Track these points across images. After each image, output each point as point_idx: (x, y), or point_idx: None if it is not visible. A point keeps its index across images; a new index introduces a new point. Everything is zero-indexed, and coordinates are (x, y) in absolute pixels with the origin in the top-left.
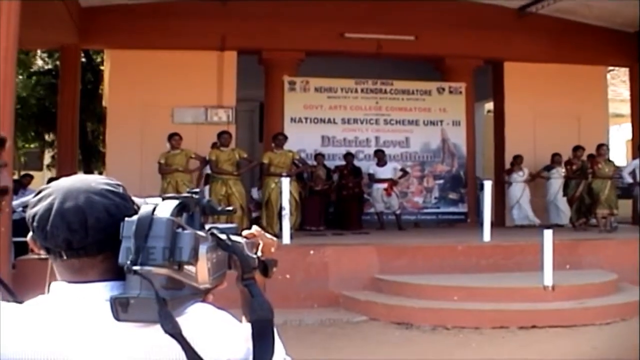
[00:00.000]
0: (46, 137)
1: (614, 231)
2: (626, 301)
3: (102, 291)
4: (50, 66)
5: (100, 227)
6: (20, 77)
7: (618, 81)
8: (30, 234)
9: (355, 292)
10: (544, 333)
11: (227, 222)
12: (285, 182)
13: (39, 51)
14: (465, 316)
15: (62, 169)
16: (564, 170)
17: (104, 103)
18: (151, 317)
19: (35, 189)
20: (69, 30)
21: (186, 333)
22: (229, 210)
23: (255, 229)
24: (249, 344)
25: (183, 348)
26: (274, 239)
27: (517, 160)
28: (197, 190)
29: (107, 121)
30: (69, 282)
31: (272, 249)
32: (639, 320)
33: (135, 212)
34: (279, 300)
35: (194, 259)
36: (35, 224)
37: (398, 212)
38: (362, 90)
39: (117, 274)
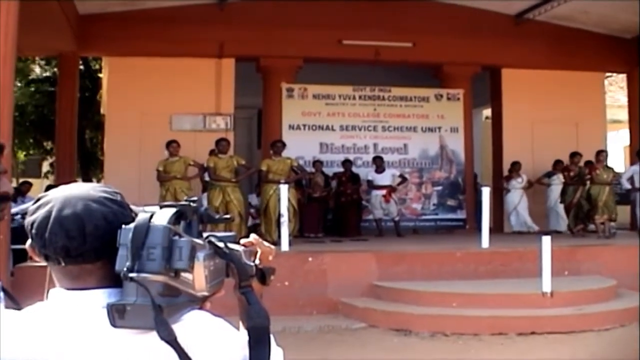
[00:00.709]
0: (45, 145)
1: (612, 237)
2: (625, 307)
3: (99, 298)
4: (48, 74)
5: (98, 235)
6: (19, 84)
7: (616, 87)
8: (29, 241)
9: (353, 298)
10: (542, 339)
11: (225, 230)
12: (284, 189)
13: (37, 59)
14: (464, 322)
15: (61, 177)
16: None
17: (102, 110)
18: (147, 323)
19: (34, 196)
20: (67, 38)
21: (182, 340)
22: (226, 218)
23: (253, 237)
24: (245, 352)
25: (178, 355)
26: (272, 247)
27: (516, 167)
28: (195, 198)
29: (105, 129)
30: (67, 289)
31: (270, 257)
32: (639, 326)
33: (133, 220)
34: (277, 307)
35: (190, 266)
36: (33, 231)
37: (396, 218)
38: (360, 97)
39: (114, 281)
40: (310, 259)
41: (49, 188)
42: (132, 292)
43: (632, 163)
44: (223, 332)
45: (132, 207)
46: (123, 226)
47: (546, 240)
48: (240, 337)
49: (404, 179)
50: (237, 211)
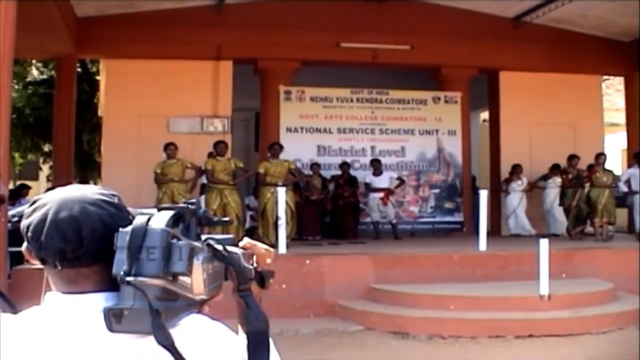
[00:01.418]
0: (43, 147)
1: (609, 240)
2: (622, 310)
3: (96, 302)
4: (45, 76)
5: (94, 238)
6: (16, 87)
7: (613, 90)
8: (25, 244)
9: (351, 301)
10: (540, 342)
11: (223, 233)
12: (281, 191)
13: (34, 61)
14: (462, 325)
15: (58, 179)
16: (559, 179)
17: (99, 113)
18: (145, 328)
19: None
20: (64, 40)
21: (179, 344)
22: (225, 221)
23: (246, 240)
24: (244, 356)
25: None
26: (271, 249)
27: (517, 169)
28: (194, 200)
29: (102, 131)
30: (64, 292)
31: (268, 260)
32: (639, 328)
33: (131, 223)
34: (275, 309)
35: (189, 270)
36: (29, 234)
37: (394, 221)
38: (357, 100)
39: (111, 284)
40: (307, 261)
41: (48, 191)
42: (130, 296)
43: (629, 166)
44: (221, 337)
45: (130, 209)
46: (120, 229)
47: (544, 243)
48: (238, 341)
49: (401, 182)
50: (234, 214)
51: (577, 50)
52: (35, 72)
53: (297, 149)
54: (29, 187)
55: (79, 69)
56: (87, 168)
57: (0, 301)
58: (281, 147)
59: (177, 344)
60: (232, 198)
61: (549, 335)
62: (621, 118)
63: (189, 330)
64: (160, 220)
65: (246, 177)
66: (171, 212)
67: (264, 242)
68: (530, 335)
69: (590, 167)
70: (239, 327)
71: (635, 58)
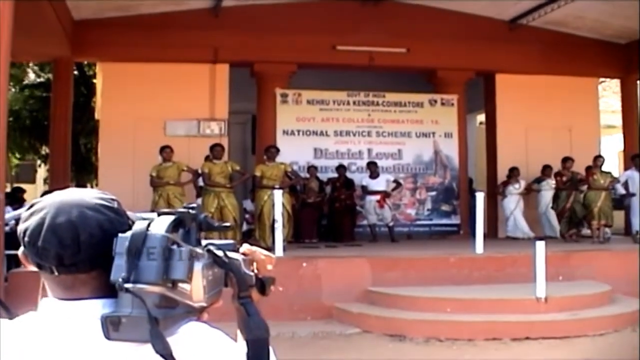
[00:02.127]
0: (40, 150)
1: (606, 242)
2: (619, 312)
3: (93, 309)
4: (42, 79)
5: (93, 243)
6: (13, 90)
7: (609, 92)
8: (22, 248)
9: (348, 304)
10: (537, 344)
11: (220, 237)
12: (278, 194)
13: (31, 64)
14: (459, 328)
15: (55, 183)
16: (554, 182)
17: (96, 116)
18: (143, 336)
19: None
20: (61, 43)
21: (178, 353)
22: (226, 227)
23: (246, 247)
24: None
25: None
26: (271, 255)
27: (514, 172)
28: (194, 205)
29: (99, 134)
30: (60, 299)
31: (269, 267)
32: (636, 330)
33: (130, 228)
34: (271, 312)
35: (188, 276)
36: (26, 239)
37: (391, 224)
38: (354, 103)
39: (109, 291)
40: (304, 264)
41: (44, 194)
42: (128, 303)
43: (625, 168)
44: (221, 345)
45: (130, 214)
46: (119, 234)
47: (540, 245)
48: (238, 349)
49: (398, 185)
50: (231, 217)
51: (573, 52)
52: (32, 75)
53: (294, 151)
54: (23, 191)
55: (75, 72)
56: (83, 171)
57: None
58: (278, 150)
59: (175, 353)
60: (229, 201)
61: (545, 337)
62: (617, 120)
63: (188, 338)
64: (160, 225)
65: (243, 180)
66: (171, 217)
67: (260, 246)
68: (527, 338)
69: (588, 169)
70: (238, 333)
71: (631, 60)
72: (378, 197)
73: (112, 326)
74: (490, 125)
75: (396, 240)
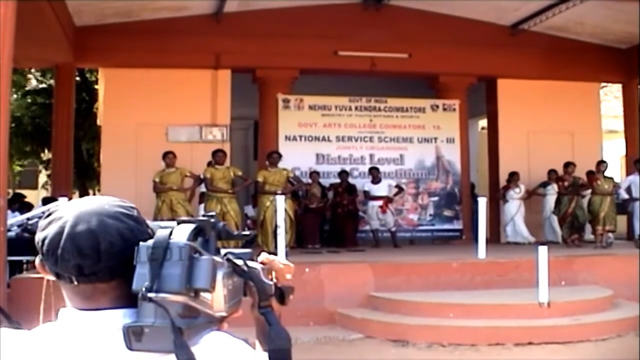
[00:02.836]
0: (42, 155)
1: (609, 247)
2: (622, 317)
3: (114, 319)
4: (44, 85)
5: (113, 252)
6: (15, 96)
7: (611, 97)
8: (39, 257)
9: (351, 309)
10: (539, 349)
11: (223, 245)
12: (280, 200)
13: (33, 70)
14: (461, 333)
15: (57, 188)
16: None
17: (98, 122)
18: (166, 346)
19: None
20: (63, 49)
21: None
22: (245, 235)
23: (265, 256)
24: None
25: None
26: (290, 264)
27: (514, 177)
28: (213, 213)
29: (101, 140)
30: (79, 309)
31: (288, 276)
32: (638, 335)
33: (150, 237)
34: None
35: (212, 286)
36: (45, 247)
37: (393, 229)
38: (356, 108)
39: (129, 300)
40: (307, 270)
41: (45, 200)
42: (150, 313)
43: (628, 173)
44: (243, 355)
45: (149, 222)
46: (141, 243)
47: (543, 250)
48: (260, 359)
49: (400, 190)
50: (233, 222)
51: (574, 57)
52: (34, 81)
53: (296, 157)
54: (23, 196)
55: (77, 78)
56: (86, 177)
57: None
58: (280, 156)
59: None
60: (232, 206)
61: (548, 342)
62: (619, 125)
63: (211, 348)
64: (182, 234)
65: (245, 185)
66: (192, 226)
67: (263, 251)
68: (530, 343)
69: (589, 174)
70: (257, 343)
71: (633, 65)
72: (380, 202)
73: (134, 336)
74: (492, 130)
75: (399, 246)
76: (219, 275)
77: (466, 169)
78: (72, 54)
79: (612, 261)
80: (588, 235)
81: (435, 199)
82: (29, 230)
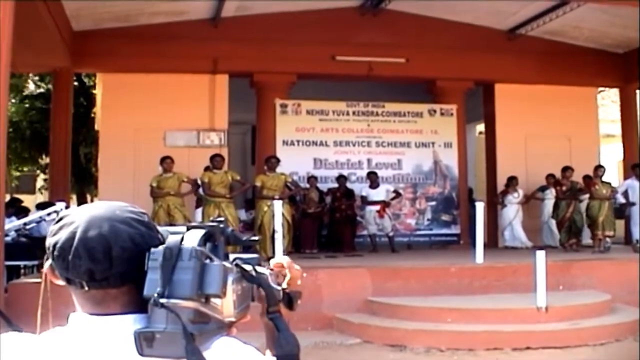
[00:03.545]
0: (40, 160)
1: (607, 252)
2: (620, 322)
3: (124, 324)
4: (42, 90)
5: (124, 258)
6: (13, 101)
7: (608, 101)
8: (49, 263)
9: (348, 314)
10: (537, 354)
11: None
12: (278, 204)
13: (31, 75)
14: (459, 338)
15: (55, 193)
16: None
17: (96, 126)
18: (177, 352)
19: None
20: (61, 54)
21: None
22: (255, 241)
23: (285, 260)
24: None
25: None
26: (300, 269)
27: (513, 181)
28: (222, 218)
29: (99, 145)
30: (90, 314)
31: (299, 282)
32: (637, 340)
33: (160, 242)
34: None
35: (223, 291)
36: (56, 252)
37: (391, 234)
38: (353, 113)
39: (139, 306)
40: (304, 275)
41: (40, 205)
42: (162, 318)
43: (625, 177)
44: None
45: (159, 228)
46: (152, 249)
47: (541, 255)
48: None
49: (398, 194)
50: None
51: (572, 62)
52: (32, 86)
53: (294, 162)
54: (20, 201)
55: (75, 83)
56: (84, 181)
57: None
58: (278, 160)
59: None
60: (229, 211)
61: (546, 347)
62: (617, 129)
63: (222, 353)
64: (192, 239)
65: (243, 190)
66: (202, 232)
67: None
68: (528, 348)
69: (587, 178)
70: (267, 350)
71: (630, 69)
72: (378, 207)
73: (145, 342)
74: (490, 134)
75: (396, 250)
76: (229, 280)
77: (464, 174)
78: (70, 58)
79: (610, 266)
80: (586, 239)
81: (433, 203)
82: (25, 235)
